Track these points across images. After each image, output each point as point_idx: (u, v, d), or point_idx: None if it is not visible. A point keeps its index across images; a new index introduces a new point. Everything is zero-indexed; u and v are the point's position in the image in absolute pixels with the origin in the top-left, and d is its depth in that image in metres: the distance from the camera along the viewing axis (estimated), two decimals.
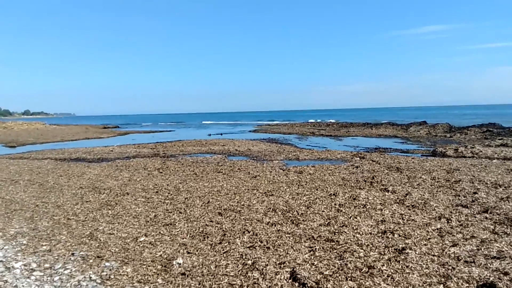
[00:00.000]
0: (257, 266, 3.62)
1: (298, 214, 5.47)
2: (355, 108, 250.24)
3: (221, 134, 29.71)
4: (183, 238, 4.56)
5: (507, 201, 5.90)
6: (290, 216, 5.36)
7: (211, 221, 5.19)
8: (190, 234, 4.72)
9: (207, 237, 4.57)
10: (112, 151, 15.61)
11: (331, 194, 6.72)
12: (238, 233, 4.67)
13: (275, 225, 4.97)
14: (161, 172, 10.00)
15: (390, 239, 4.34)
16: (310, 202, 6.14)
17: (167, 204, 6.25)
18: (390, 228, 4.72)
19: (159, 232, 4.79)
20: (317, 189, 7.22)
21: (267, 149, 15.68)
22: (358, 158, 12.76)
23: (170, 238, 4.59)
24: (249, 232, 4.68)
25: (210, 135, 28.70)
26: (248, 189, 7.35)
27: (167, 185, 8.00)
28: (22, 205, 6.47)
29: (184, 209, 5.91)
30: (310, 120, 55.93)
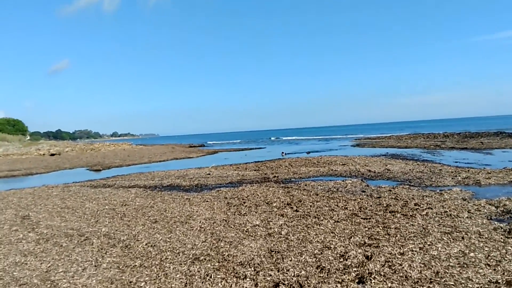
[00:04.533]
0: None
1: None
2: (437, 119, 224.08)
3: (308, 152, 23.52)
4: None
5: None
6: None
7: None
8: None
9: None
10: (209, 174, 13.18)
11: None
12: None
13: None
14: (296, 211, 6.88)
15: None
16: None
17: None
18: None
19: None
20: None
21: (414, 169, 11.57)
22: None
23: None
24: None
25: (284, 153, 23.27)
26: None
27: (356, 249, 4.48)
28: None
29: None
30: (399, 133, 49.06)
